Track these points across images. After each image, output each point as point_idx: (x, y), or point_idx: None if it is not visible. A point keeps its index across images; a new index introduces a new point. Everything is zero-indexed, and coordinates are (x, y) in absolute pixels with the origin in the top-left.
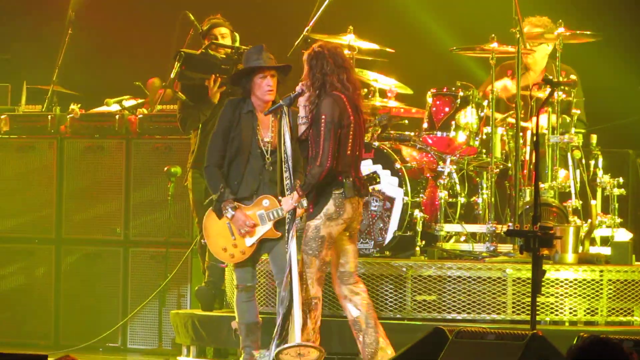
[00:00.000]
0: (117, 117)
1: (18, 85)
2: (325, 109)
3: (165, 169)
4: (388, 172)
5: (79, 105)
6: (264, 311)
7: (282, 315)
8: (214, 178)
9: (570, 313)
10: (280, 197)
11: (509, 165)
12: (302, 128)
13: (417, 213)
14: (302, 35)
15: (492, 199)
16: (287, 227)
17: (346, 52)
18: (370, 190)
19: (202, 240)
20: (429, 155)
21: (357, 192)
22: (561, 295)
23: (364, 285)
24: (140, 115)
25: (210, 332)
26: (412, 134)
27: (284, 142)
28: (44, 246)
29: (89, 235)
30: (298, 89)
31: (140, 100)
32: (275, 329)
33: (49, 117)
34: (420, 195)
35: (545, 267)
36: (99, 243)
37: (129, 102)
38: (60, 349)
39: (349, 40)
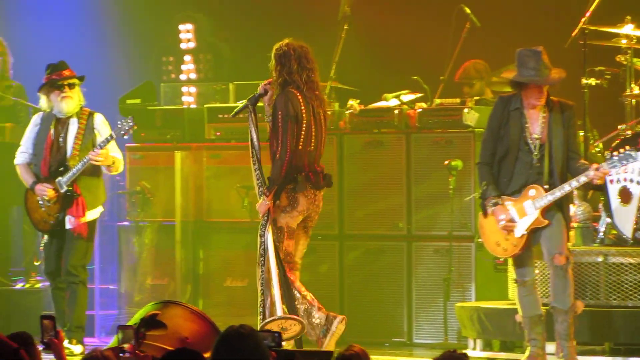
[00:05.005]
0: (396, 111)
1: None
2: (279, 105)
3: (446, 162)
4: None
5: (358, 101)
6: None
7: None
8: (481, 176)
9: None
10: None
11: None
12: (268, 126)
13: None
14: (578, 27)
15: None
16: (262, 223)
17: (623, 41)
18: None
19: (479, 240)
20: None
21: (311, 185)
22: None
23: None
24: (420, 110)
25: (496, 324)
26: None
27: (251, 140)
28: (327, 242)
29: (372, 230)
30: (260, 89)
31: (418, 95)
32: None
33: (328, 113)
34: None
35: None
36: (382, 238)
37: (407, 97)
38: (345, 344)
39: (627, 30)
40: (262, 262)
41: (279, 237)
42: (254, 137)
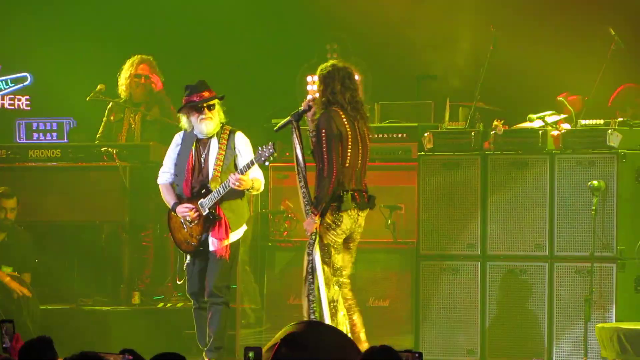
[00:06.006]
0: (540, 132)
1: (441, 102)
2: (323, 124)
3: (589, 183)
4: None
5: (502, 122)
6: None
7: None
8: None
9: None
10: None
11: None
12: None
13: None
14: None
15: None
16: (309, 242)
17: None
18: None
19: None
20: None
21: (356, 204)
22: None
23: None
24: (564, 131)
25: (636, 345)
26: None
27: (296, 157)
28: (469, 262)
29: (514, 251)
30: (304, 105)
31: (564, 116)
32: None
33: (472, 133)
34: None
35: None
36: (524, 258)
37: (551, 118)
38: None
39: None
40: (311, 279)
41: (326, 254)
42: (299, 154)
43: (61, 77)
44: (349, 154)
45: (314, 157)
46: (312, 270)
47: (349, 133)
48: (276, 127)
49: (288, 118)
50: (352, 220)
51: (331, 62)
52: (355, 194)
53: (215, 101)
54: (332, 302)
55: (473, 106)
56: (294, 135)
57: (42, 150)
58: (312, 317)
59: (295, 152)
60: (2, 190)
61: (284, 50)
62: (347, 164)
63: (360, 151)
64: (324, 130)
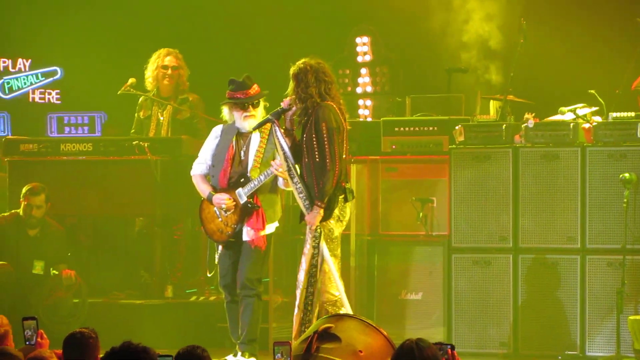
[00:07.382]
0: (571, 125)
1: (472, 95)
2: (323, 117)
3: (620, 176)
4: None
5: (533, 114)
6: None
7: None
8: None
9: None
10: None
11: None
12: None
13: None
14: None
15: None
16: (314, 234)
17: None
18: None
19: None
20: None
21: (352, 195)
22: None
23: None
24: (595, 123)
25: None
26: None
27: (284, 153)
28: (501, 255)
29: (546, 243)
30: (284, 104)
31: (594, 108)
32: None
33: (503, 126)
34: None
35: None
36: (556, 251)
37: (583, 110)
38: (520, 357)
39: None
40: (314, 272)
41: (335, 246)
42: (287, 150)
43: (91, 71)
44: (345, 146)
45: (307, 153)
46: (319, 264)
47: (345, 126)
48: (254, 126)
49: (267, 117)
50: (350, 212)
51: (302, 60)
52: (350, 186)
53: (260, 100)
54: (339, 294)
55: (504, 99)
56: (278, 133)
57: (74, 144)
58: (309, 308)
59: (283, 149)
60: (30, 187)
61: (314, 44)
62: (344, 156)
63: (348, 145)
64: (324, 124)
